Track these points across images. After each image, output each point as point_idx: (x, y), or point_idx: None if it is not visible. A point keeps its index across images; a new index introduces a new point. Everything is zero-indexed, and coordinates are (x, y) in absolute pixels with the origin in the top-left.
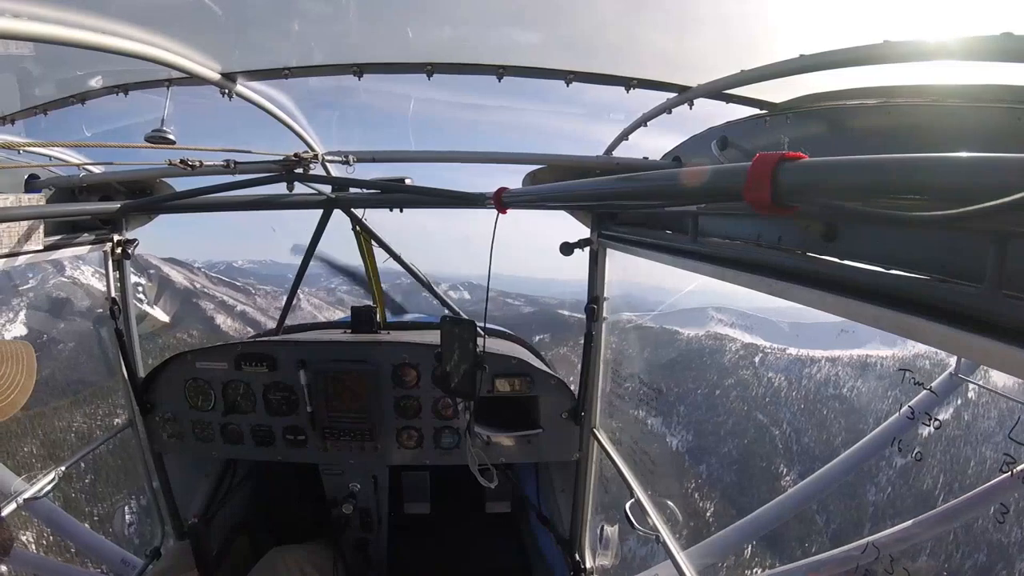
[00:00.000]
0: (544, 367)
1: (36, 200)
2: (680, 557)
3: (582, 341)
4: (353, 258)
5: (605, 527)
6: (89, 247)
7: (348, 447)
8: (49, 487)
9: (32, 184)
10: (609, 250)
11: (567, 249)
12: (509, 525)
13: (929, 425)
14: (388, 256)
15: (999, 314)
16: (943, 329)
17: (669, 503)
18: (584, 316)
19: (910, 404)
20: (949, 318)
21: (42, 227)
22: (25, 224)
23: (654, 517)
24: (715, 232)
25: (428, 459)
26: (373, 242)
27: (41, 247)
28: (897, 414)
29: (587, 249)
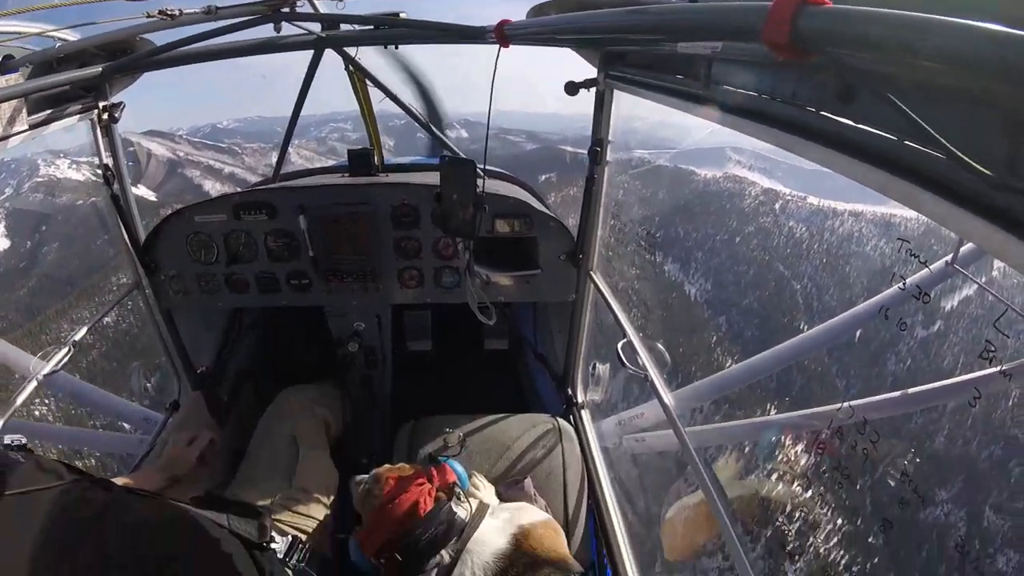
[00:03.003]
0: (544, 209)
1: (14, 80)
2: (667, 397)
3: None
4: (348, 102)
5: (597, 365)
6: (77, 117)
7: (351, 288)
8: (66, 359)
9: (7, 65)
10: (616, 92)
11: (572, 89)
12: (506, 362)
13: (919, 299)
14: (384, 96)
15: (1007, 202)
16: (948, 206)
17: (659, 345)
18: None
19: (902, 275)
20: (956, 197)
21: (25, 107)
22: (7, 107)
23: (644, 357)
24: (728, 80)
25: (429, 298)
26: (368, 82)
27: (26, 127)
28: (893, 288)
29: (593, 90)
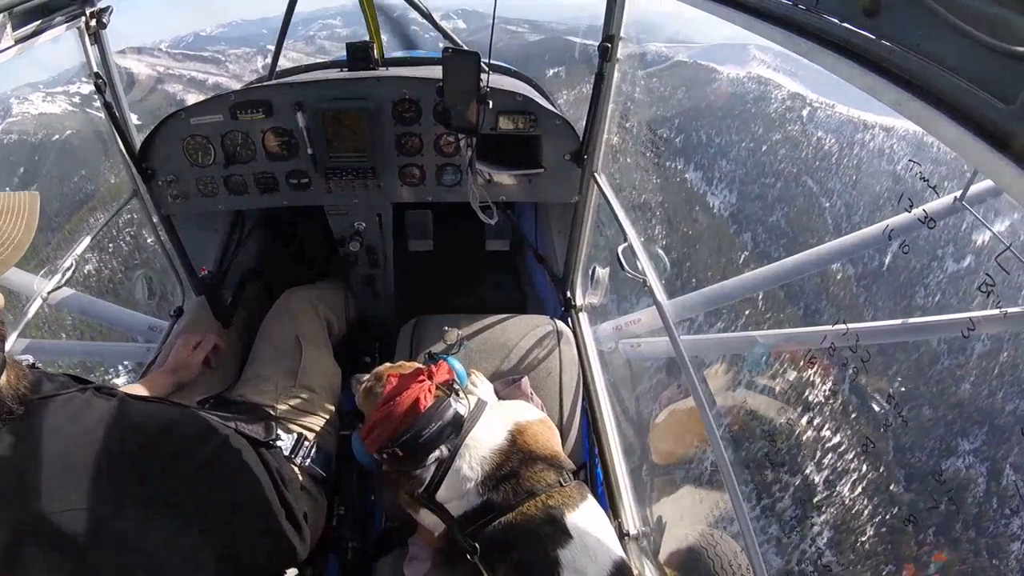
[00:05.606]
0: (550, 107)
1: None
2: (664, 303)
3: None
4: None
5: (597, 268)
6: (65, 27)
7: (351, 186)
8: (69, 274)
9: None
10: None
11: None
12: (507, 262)
13: (924, 224)
14: None
15: (1019, 137)
16: (961, 132)
17: (659, 250)
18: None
19: (909, 197)
20: (971, 126)
21: (8, 21)
22: None
23: (643, 262)
24: None
25: (430, 196)
26: None
27: (12, 42)
28: (906, 213)
29: None
